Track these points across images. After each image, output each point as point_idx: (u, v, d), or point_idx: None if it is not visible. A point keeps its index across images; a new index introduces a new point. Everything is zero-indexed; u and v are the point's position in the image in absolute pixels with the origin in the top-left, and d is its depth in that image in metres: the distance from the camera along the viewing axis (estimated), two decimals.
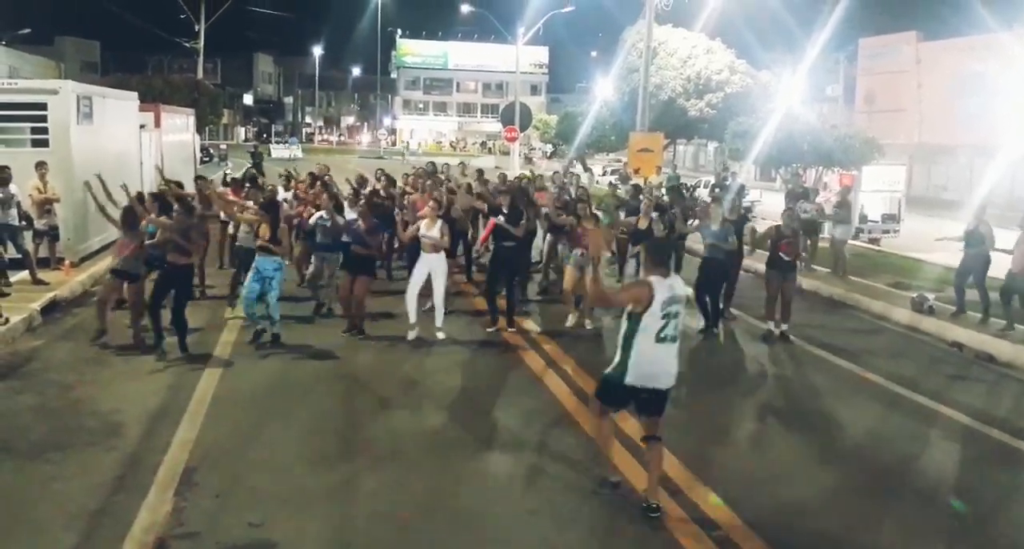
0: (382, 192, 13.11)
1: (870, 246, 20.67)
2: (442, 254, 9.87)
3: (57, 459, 6.18)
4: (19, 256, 11.38)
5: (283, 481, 5.90)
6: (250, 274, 9.43)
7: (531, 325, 10.69)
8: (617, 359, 5.57)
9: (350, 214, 10.75)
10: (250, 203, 11.10)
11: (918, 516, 5.84)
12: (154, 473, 5.93)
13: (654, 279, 5.50)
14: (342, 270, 10.14)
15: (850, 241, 16.36)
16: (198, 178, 13.19)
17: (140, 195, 10.44)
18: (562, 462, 6.42)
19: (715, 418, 7.78)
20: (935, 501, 6.09)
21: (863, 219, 21.68)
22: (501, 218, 10.32)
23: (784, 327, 10.55)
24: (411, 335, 9.79)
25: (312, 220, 10.76)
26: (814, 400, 8.44)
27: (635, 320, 5.47)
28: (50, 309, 10.57)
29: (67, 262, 12.47)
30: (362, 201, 10.67)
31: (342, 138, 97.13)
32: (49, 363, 8.61)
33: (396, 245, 13.39)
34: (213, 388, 7.88)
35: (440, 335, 9.91)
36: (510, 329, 10.30)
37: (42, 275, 11.53)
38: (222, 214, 11.95)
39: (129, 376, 8.24)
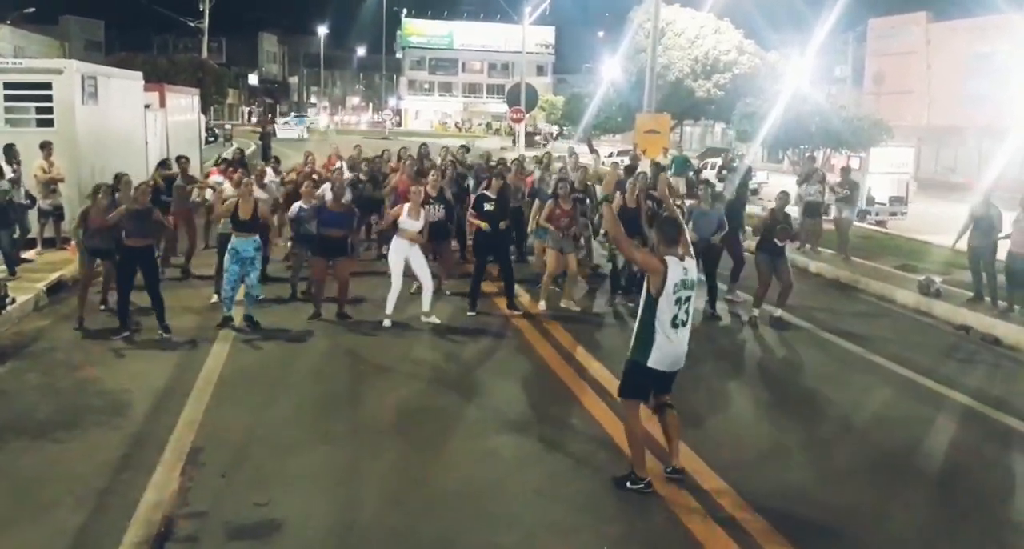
0: (361, 176, 12.95)
1: (877, 228, 20.58)
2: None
3: (63, 438, 6.21)
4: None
5: (289, 461, 5.93)
6: (227, 256, 9.17)
7: (531, 305, 10.65)
8: (634, 346, 5.54)
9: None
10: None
11: (922, 497, 5.84)
12: (160, 452, 5.96)
13: (668, 258, 5.46)
14: (315, 256, 9.75)
15: (856, 223, 16.26)
16: (179, 157, 12.97)
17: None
18: (566, 442, 6.44)
19: (719, 400, 7.77)
20: (939, 483, 6.09)
21: (870, 201, 21.56)
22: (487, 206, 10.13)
23: (779, 312, 10.41)
24: (386, 322, 9.50)
25: (293, 210, 10.22)
26: (820, 383, 8.42)
27: (650, 306, 5.45)
28: (56, 289, 10.60)
29: (72, 242, 12.45)
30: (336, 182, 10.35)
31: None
32: (55, 343, 8.63)
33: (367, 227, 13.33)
34: (219, 368, 7.90)
35: (432, 319, 9.68)
36: (514, 312, 10.27)
37: (48, 255, 11.56)
38: (208, 195, 11.72)
39: (135, 356, 8.28)
